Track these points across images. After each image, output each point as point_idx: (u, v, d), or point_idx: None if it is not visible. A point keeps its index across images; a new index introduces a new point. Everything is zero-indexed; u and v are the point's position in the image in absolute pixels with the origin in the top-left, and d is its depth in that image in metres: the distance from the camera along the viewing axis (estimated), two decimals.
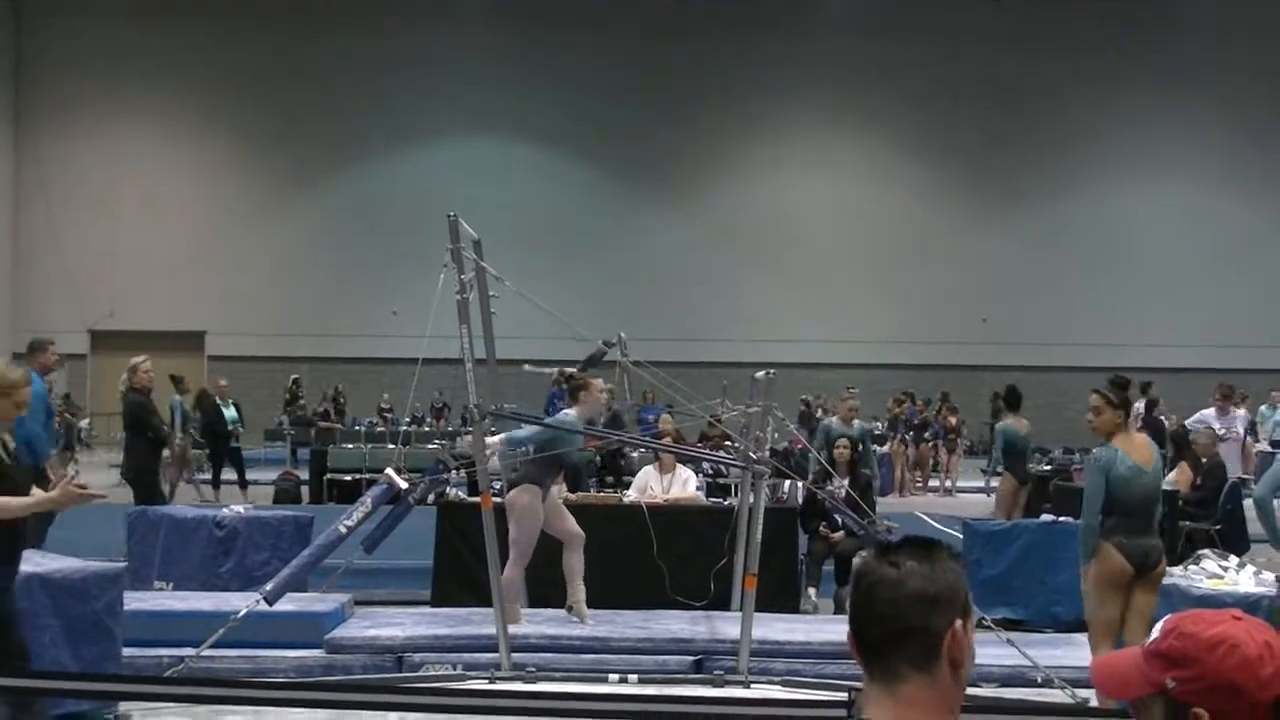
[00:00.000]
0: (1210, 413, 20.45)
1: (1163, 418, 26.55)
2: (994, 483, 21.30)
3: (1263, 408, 31.48)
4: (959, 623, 2.75)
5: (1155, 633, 2.73)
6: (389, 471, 12.15)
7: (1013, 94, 44.87)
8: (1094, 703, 9.23)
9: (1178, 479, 17.76)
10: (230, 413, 25.52)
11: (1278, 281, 44.29)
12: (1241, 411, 24.56)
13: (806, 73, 44.43)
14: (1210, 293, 44.13)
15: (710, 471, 19.42)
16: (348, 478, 25.55)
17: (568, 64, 44.70)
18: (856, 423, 16.71)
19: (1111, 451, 9.65)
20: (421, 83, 44.74)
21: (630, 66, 44.73)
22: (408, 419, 32.57)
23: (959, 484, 31.12)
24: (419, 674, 11.36)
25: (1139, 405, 26.96)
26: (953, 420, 32.12)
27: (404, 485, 11.97)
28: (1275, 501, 11.40)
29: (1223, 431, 18.62)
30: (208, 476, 26.09)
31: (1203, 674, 2.61)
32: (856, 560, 14.61)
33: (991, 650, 10.68)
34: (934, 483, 31.53)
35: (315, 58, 44.82)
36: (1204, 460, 17.85)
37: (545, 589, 13.22)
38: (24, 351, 15.42)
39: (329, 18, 44.79)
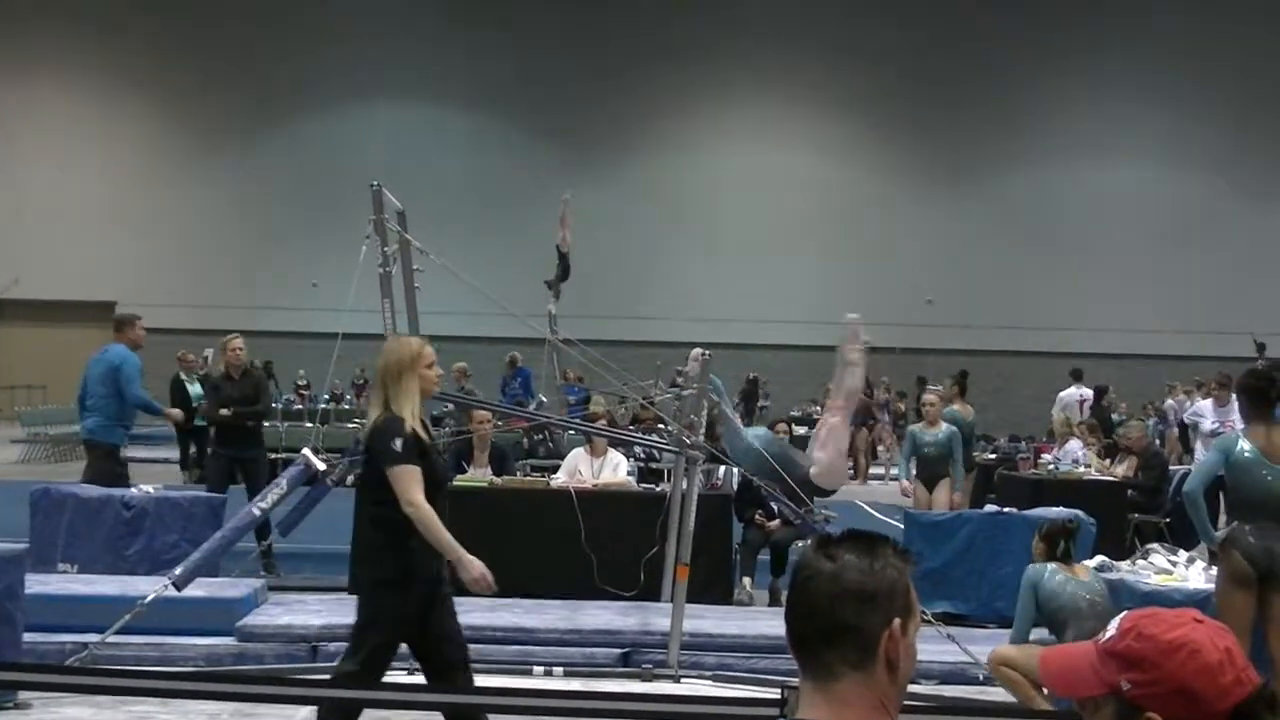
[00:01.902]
0: (1207, 405, 19.85)
1: (1110, 408, 26.30)
2: None
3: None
4: (898, 621, 2.68)
5: (1111, 630, 2.66)
6: (305, 452, 11.73)
7: (959, 69, 44.61)
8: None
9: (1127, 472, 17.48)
10: (195, 389, 24.55)
11: (1230, 266, 44.16)
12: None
13: (747, 40, 43.99)
14: (1162, 277, 44.00)
15: (642, 456, 19.02)
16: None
17: (497, 26, 44.09)
18: (944, 425, 16.20)
19: (1233, 436, 9.30)
20: (345, 43, 43.88)
21: (563, 30, 44.20)
22: (326, 396, 31.99)
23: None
24: (333, 664, 10.92)
25: (1079, 391, 26.72)
26: (901, 405, 31.75)
27: (321, 466, 11.51)
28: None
29: (1214, 424, 18.00)
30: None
31: (1160, 678, 2.55)
32: (795, 552, 14.26)
33: (932, 646, 10.39)
34: (879, 470, 31.05)
35: (234, 15, 44.02)
36: (1137, 452, 17.56)
37: None
38: None
39: None
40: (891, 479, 29.83)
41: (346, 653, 7.44)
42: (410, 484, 7.07)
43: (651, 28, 43.71)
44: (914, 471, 16.07)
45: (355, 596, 7.49)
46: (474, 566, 7.46)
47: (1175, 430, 29.29)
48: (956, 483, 16.08)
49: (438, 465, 7.44)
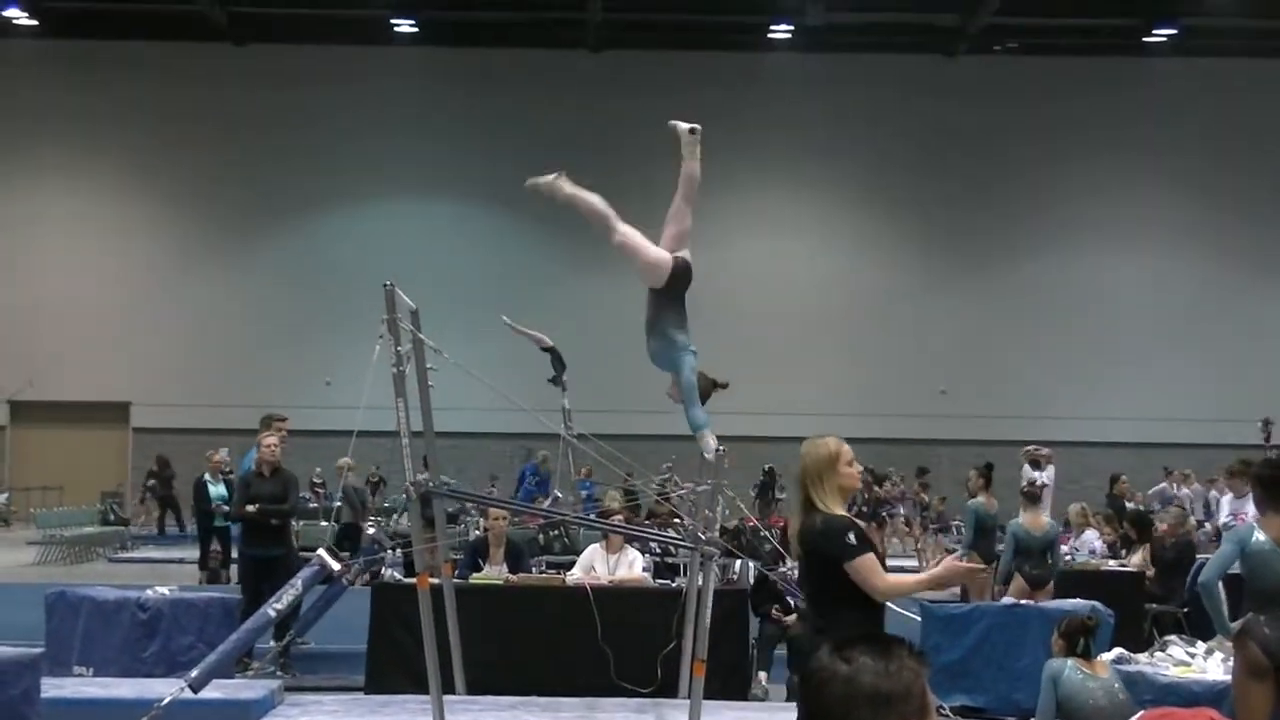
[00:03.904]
0: (1228, 497, 19.58)
1: (1125, 499, 26.09)
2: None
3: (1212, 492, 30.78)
4: None
5: None
6: (321, 551, 11.70)
7: (968, 159, 44.61)
8: None
9: (1141, 561, 17.38)
10: (218, 489, 24.09)
11: (1243, 353, 44.00)
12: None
13: (756, 134, 44.08)
14: (1175, 364, 43.77)
15: (658, 551, 18.99)
16: None
17: (507, 124, 44.17)
18: (1047, 521, 16.50)
19: (1249, 527, 9.28)
20: (357, 142, 43.95)
21: (572, 127, 44.35)
22: (341, 494, 31.91)
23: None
24: None
25: (1038, 476, 26.40)
26: (925, 496, 31.65)
27: (336, 567, 11.51)
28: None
29: (1229, 516, 17.61)
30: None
31: None
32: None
33: None
34: (908, 562, 30.73)
35: (245, 115, 44.19)
36: (1171, 540, 17.41)
37: (482, 673, 12.77)
38: None
39: (259, 75, 44.12)
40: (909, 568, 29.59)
41: None
42: (874, 571, 7.18)
43: (662, 126, 43.83)
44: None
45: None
46: (951, 571, 7.60)
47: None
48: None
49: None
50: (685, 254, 10.55)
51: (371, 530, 19.00)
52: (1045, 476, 25.89)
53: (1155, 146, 44.52)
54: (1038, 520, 16.64)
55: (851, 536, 7.14)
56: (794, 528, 7.38)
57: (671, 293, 10.43)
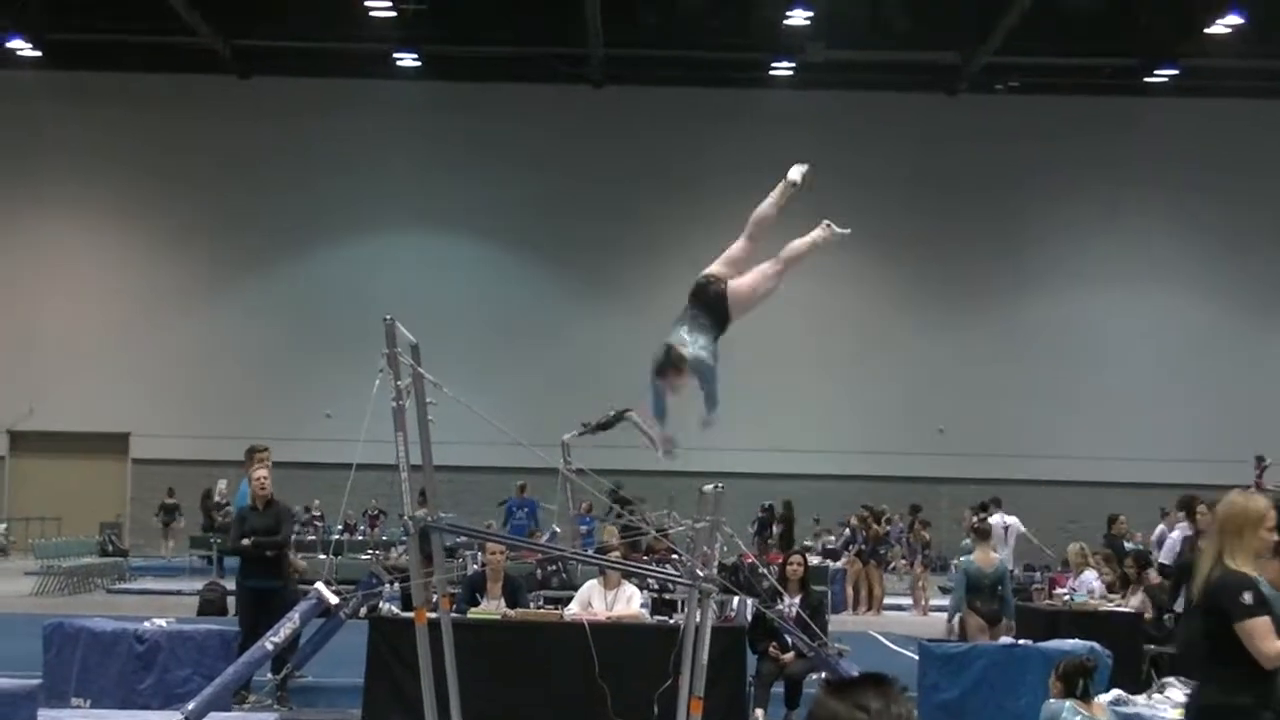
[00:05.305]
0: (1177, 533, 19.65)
1: (1124, 538, 25.98)
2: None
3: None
4: None
5: None
6: (319, 585, 11.70)
7: (968, 196, 44.61)
8: None
9: (1141, 604, 17.34)
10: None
11: (1244, 394, 43.99)
12: None
13: (758, 173, 44.01)
14: (1178, 405, 43.75)
15: (655, 587, 18.95)
16: None
17: (509, 158, 44.19)
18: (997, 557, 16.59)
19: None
20: (358, 175, 43.87)
21: (573, 161, 44.41)
22: (340, 527, 31.91)
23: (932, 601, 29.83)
24: None
25: (1003, 520, 26.36)
26: (925, 534, 31.57)
27: (334, 600, 11.50)
28: None
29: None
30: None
31: None
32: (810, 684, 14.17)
33: None
34: (904, 600, 30.61)
35: (247, 147, 44.17)
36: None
37: (479, 707, 12.70)
38: None
39: (262, 108, 44.11)
40: (923, 610, 29.28)
41: None
42: (1266, 636, 7.05)
43: (666, 162, 43.93)
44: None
45: None
46: None
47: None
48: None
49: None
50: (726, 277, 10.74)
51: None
52: (1006, 518, 25.98)
53: (1156, 186, 44.55)
54: (988, 556, 16.69)
55: (1248, 596, 7.04)
56: (1198, 579, 7.29)
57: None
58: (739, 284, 10.49)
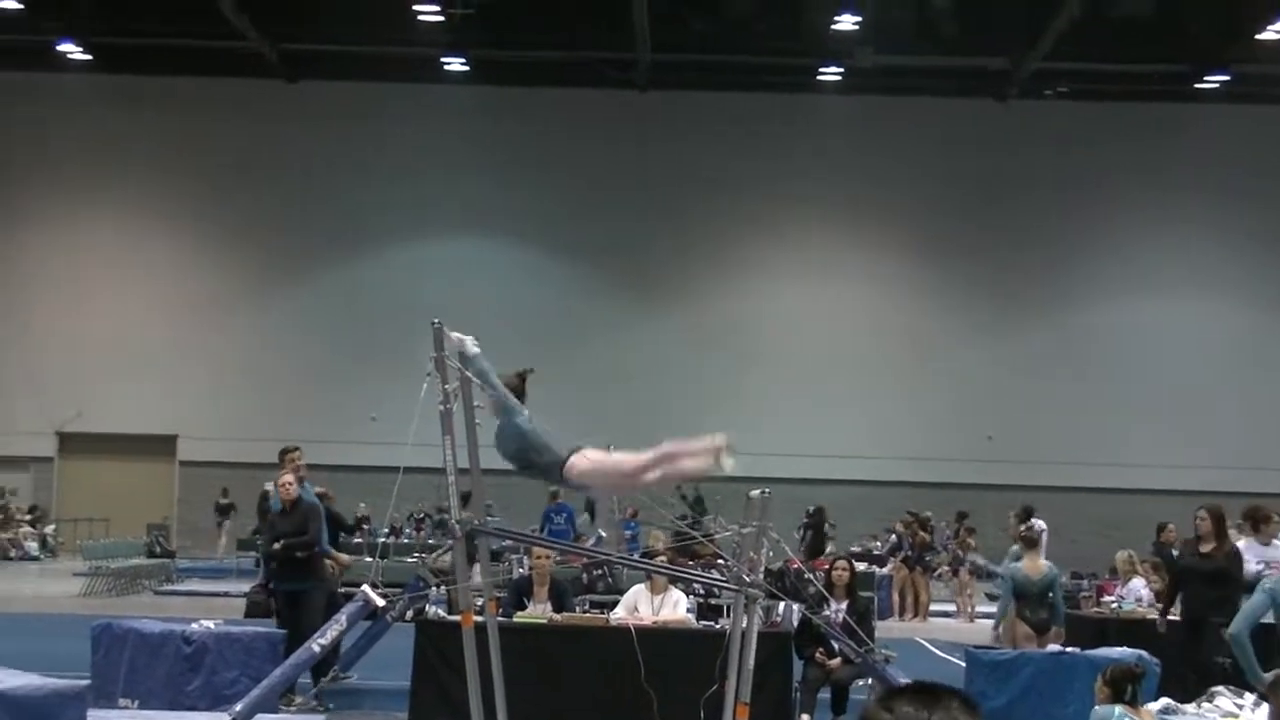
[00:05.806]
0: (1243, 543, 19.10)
1: (1171, 547, 25.69)
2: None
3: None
4: None
5: None
6: (365, 588, 11.70)
7: (1016, 205, 44.50)
8: None
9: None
10: None
11: None
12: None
13: (803, 179, 44.01)
14: (1225, 412, 43.48)
15: (700, 592, 18.92)
16: None
17: (555, 163, 44.28)
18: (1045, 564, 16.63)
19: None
20: (405, 180, 44.02)
21: (618, 166, 44.41)
22: (386, 530, 31.90)
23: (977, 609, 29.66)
24: None
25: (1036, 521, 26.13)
26: (971, 541, 31.40)
27: (380, 603, 11.50)
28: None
29: (1258, 565, 16.89)
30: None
31: None
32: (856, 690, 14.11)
33: None
34: (950, 606, 30.51)
35: (295, 151, 44.34)
36: None
37: (525, 711, 12.69)
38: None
39: (310, 112, 44.35)
40: (970, 617, 29.12)
41: None
42: None
43: (708, 166, 43.87)
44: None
45: None
46: None
47: None
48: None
49: None
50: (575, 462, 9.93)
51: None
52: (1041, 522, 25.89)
53: (1204, 193, 44.29)
54: (1036, 564, 16.55)
55: None
56: None
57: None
58: (588, 465, 9.86)
